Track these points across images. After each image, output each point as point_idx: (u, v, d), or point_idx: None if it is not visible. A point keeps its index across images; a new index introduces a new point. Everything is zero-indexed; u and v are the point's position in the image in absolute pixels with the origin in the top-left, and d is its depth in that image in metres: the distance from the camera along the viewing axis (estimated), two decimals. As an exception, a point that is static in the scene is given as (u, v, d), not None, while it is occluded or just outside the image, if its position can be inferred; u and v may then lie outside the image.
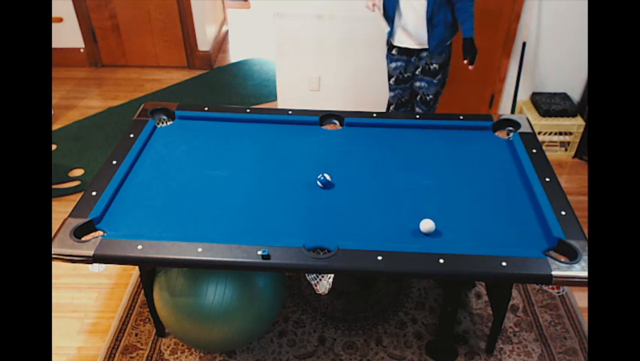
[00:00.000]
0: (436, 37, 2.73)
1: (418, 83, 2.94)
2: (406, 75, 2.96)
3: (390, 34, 2.84)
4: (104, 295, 2.57)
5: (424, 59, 2.85)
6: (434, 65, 2.84)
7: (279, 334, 2.37)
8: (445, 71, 2.91)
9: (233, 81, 4.53)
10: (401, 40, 2.83)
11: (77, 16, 4.38)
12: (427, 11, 2.65)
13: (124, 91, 4.34)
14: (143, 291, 2.50)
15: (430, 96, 2.95)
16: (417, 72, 2.91)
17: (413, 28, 2.75)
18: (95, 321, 2.44)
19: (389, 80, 3.04)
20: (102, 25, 4.46)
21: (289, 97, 3.78)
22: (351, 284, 2.61)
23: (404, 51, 2.86)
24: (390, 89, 3.06)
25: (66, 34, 4.46)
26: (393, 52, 2.90)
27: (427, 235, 1.86)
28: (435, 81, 2.89)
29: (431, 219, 1.87)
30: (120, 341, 2.34)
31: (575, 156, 3.59)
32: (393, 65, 2.95)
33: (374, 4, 2.69)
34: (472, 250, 1.75)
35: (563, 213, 1.91)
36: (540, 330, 2.40)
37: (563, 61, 3.52)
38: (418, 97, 2.99)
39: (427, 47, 2.78)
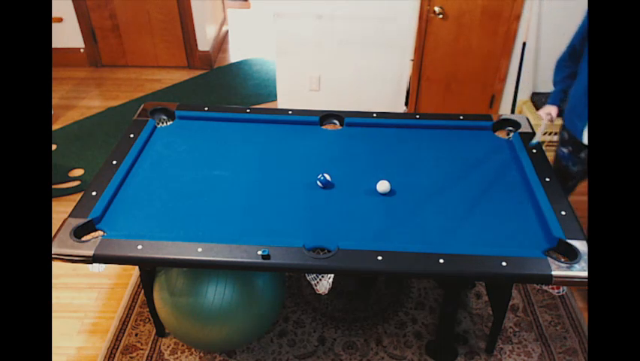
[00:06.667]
0: None
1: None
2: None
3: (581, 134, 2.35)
4: (104, 295, 2.57)
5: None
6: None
7: (279, 334, 2.37)
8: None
9: (233, 81, 4.53)
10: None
11: (77, 16, 4.38)
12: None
13: (124, 91, 4.34)
14: (143, 291, 2.50)
15: None
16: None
17: None
18: (94, 321, 2.44)
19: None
20: (102, 25, 4.46)
21: (289, 97, 3.77)
22: (352, 284, 2.61)
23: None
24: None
25: (66, 34, 4.47)
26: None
27: (383, 195, 2.02)
28: None
29: (387, 180, 2.05)
30: (120, 341, 2.33)
31: (575, 156, 3.58)
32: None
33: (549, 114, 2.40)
34: (472, 250, 1.75)
35: (563, 213, 1.90)
36: (540, 330, 2.40)
37: (562, 61, 3.52)
38: None
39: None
